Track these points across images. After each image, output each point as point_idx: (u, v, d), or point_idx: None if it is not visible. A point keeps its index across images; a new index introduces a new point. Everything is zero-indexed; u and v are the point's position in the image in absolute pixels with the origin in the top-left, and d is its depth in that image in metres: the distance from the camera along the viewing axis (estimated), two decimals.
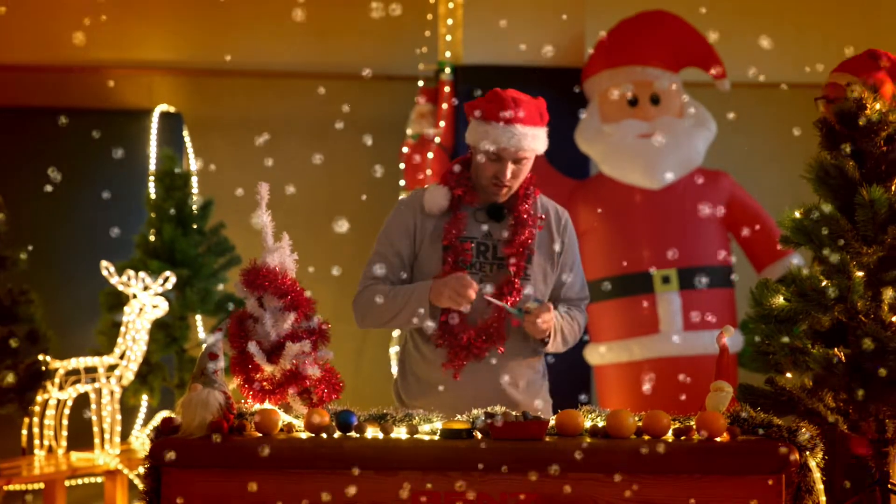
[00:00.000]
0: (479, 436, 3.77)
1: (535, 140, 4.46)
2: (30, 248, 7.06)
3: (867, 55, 4.67)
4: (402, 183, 8.17)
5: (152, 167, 8.60)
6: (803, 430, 3.65)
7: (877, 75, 4.64)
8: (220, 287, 8.22)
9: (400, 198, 4.66)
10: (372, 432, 3.80)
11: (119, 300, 7.66)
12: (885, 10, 8.93)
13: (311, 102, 8.66)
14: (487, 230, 4.54)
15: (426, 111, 8.18)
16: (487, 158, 4.44)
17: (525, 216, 4.54)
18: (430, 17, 8.68)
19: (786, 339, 4.09)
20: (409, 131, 8.20)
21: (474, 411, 3.89)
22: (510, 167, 4.44)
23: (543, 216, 4.62)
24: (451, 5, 8.33)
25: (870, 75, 4.62)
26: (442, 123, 7.99)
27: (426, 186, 4.63)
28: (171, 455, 3.64)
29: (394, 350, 7.94)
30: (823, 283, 4.09)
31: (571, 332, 4.62)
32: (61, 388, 6.93)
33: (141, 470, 3.79)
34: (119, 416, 7.16)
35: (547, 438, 3.72)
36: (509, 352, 4.53)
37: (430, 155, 7.78)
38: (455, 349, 4.48)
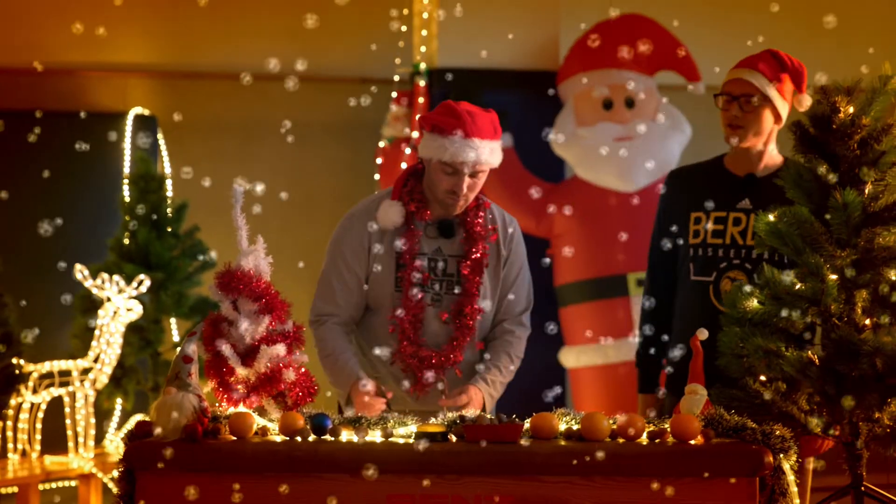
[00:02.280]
0: (454, 439, 3.77)
1: (492, 154, 4.46)
2: None
3: (770, 55, 4.69)
4: (377, 177, 8.20)
5: (126, 170, 8.58)
6: (777, 432, 3.66)
7: (781, 75, 4.66)
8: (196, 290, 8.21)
9: (349, 212, 4.65)
10: (347, 435, 3.80)
11: (93, 303, 7.63)
12: (863, 17, 8.97)
13: (286, 105, 8.65)
14: (438, 246, 4.56)
15: (401, 114, 8.18)
16: (444, 172, 4.43)
17: (478, 229, 4.56)
18: (405, 16, 8.67)
19: (760, 342, 4.09)
20: (384, 134, 8.21)
21: (449, 414, 3.90)
22: (467, 180, 4.44)
23: (495, 227, 4.65)
24: (425, 13, 8.33)
25: (774, 75, 4.64)
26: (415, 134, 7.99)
27: (377, 198, 4.63)
28: (167, 453, 3.64)
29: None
30: (797, 286, 4.10)
31: (508, 377, 4.70)
32: (35, 391, 6.91)
33: (115, 473, 3.78)
34: (93, 420, 7.14)
35: (522, 441, 3.72)
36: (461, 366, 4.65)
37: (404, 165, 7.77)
38: (420, 374, 4.52)
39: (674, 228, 4.83)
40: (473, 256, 4.53)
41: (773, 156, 4.75)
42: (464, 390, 4.49)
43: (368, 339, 4.62)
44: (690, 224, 4.76)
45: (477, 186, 4.51)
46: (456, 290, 4.54)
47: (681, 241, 4.81)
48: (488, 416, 3.80)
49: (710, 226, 4.72)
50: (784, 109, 4.67)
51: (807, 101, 4.71)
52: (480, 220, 4.58)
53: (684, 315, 4.76)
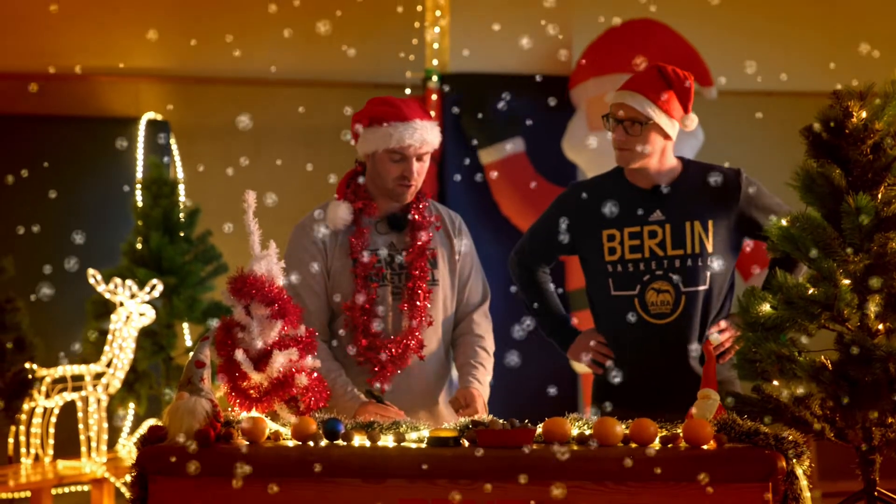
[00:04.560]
0: (467, 443, 3.77)
1: (433, 133, 4.55)
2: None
3: (655, 71, 4.67)
4: None
5: (139, 175, 8.60)
6: (790, 437, 3.65)
7: (665, 93, 4.63)
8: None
9: (298, 223, 4.69)
10: (359, 440, 3.80)
11: (106, 308, 7.65)
12: (867, 20, 8.96)
13: (298, 110, 8.66)
14: (391, 241, 4.59)
15: None
16: (391, 161, 4.51)
17: (419, 219, 4.63)
18: (417, 25, 8.69)
19: (773, 347, 4.09)
20: None
21: (461, 419, 3.90)
22: (415, 164, 4.52)
23: (439, 216, 4.72)
24: (438, 13, 8.34)
25: (657, 94, 4.62)
26: None
27: (323, 207, 4.66)
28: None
29: None
30: (810, 291, 4.09)
31: (490, 372, 4.73)
32: (48, 396, 6.92)
33: (128, 478, 3.79)
34: (106, 425, 7.15)
35: (534, 446, 3.72)
36: (429, 357, 4.64)
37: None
38: (379, 365, 4.52)
39: (580, 241, 4.82)
40: (418, 245, 4.59)
41: (671, 165, 4.75)
42: (471, 398, 4.49)
43: (338, 341, 4.62)
44: (604, 241, 4.74)
45: (423, 170, 4.59)
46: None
47: (587, 256, 4.82)
48: (501, 421, 3.80)
49: (626, 241, 4.72)
50: (671, 128, 4.66)
51: (693, 122, 4.71)
52: (422, 210, 4.66)
53: (610, 328, 4.77)
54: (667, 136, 4.67)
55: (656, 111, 4.60)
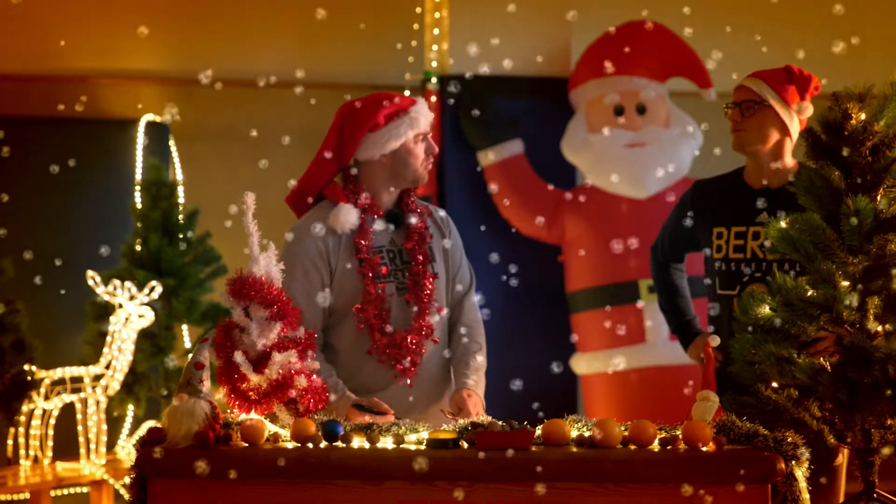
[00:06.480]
0: (466, 445, 3.76)
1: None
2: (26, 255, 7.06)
3: (781, 69, 4.76)
4: None
5: (138, 177, 8.59)
6: (789, 439, 3.65)
7: (787, 86, 4.72)
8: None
9: (294, 226, 4.66)
10: (358, 442, 3.80)
11: (105, 310, 7.64)
12: (868, 21, 8.96)
13: (298, 111, 8.65)
14: (391, 237, 4.63)
15: None
16: (419, 143, 4.60)
17: (413, 207, 4.69)
18: (416, 26, 8.68)
19: (772, 349, 4.09)
20: None
21: (460, 421, 3.90)
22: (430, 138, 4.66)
23: (426, 208, 4.78)
24: (437, 15, 8.34)
25: (779, 84, 4.71)
26: None
27: (319, 210, 4.66)
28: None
29: None
30: (809, 293, 4.09)
31: (483, 368, 4.74)
32: (47, 397, 6.92)
33: (127, 480, 3.79)
34: (105, 426, 7.15)
35: (533, 448, 3.72)
36: (440, 341, 4.67)
37: None
38: (400, 359, 4.53)
39: (700, 238, 4.88)
40: (417, 233, 4.63)
41: (788, 166, 4.78)
42: (462, 402, 4.48)
43: (340, 343, 4.61)
44: (713, 239, 4.80)
45: None
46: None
47: (706, 252, 4.86)
48: (500, 422, 3.80)
49: (731, 240, 4.76)
50: (790, 120, 4.71)
51: (808, 109, 4.75)
52: (412, 202, 4.70)
53: (716, 328, 4.80)
54: (784, 129, 4.72)
55: (773, 95, 4.66)
